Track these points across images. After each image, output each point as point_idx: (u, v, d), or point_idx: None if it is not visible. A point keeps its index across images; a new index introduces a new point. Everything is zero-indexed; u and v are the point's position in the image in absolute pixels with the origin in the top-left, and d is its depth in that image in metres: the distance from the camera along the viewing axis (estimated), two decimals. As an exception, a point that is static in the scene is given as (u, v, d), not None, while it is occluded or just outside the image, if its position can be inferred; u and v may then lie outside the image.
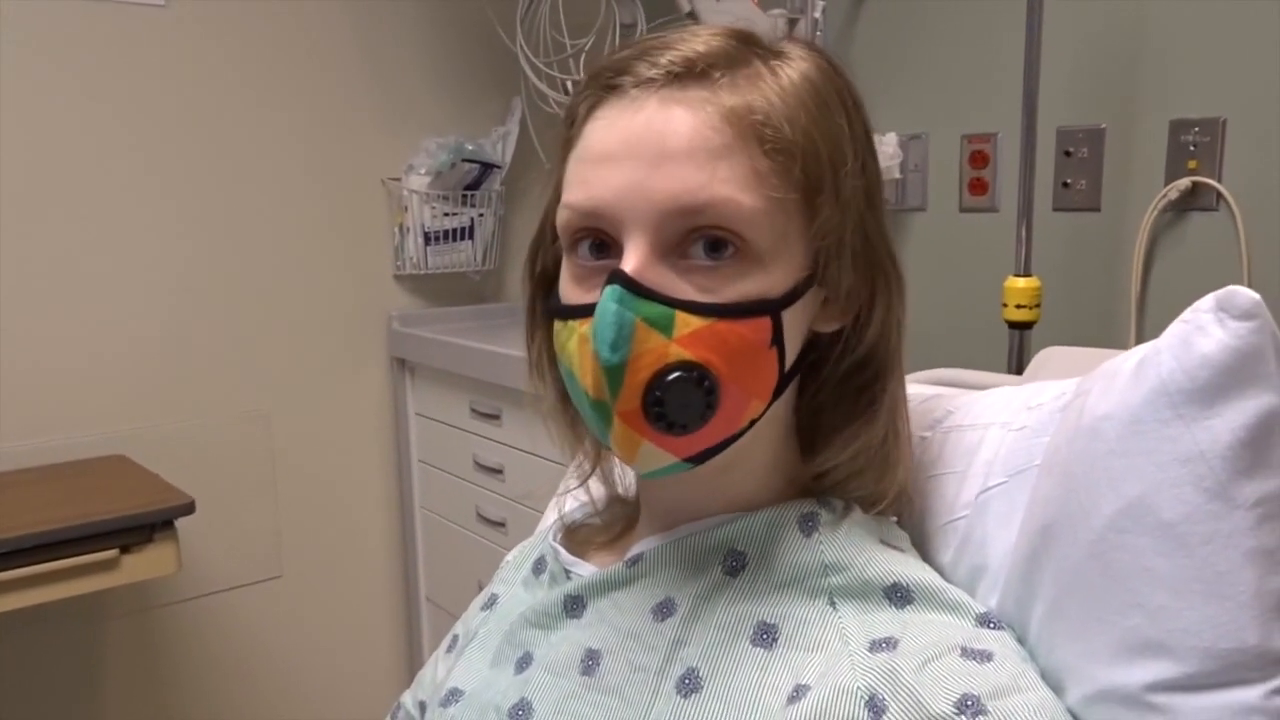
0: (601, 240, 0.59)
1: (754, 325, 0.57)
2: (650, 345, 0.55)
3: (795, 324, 0.60)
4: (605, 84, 0.60)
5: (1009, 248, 1.51)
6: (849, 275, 0.61)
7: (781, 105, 0.57)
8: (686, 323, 0.55)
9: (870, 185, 0.62)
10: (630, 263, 0.56)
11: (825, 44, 1.75)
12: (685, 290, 0.56)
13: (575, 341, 0.58)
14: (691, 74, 0.57)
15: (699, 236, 0.56)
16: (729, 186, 0.55)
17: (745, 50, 0.60)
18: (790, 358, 0.60)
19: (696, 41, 0.59)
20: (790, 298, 0.58)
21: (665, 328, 0.55)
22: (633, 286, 0.55)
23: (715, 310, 0.56)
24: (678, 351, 0.55)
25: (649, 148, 0.56)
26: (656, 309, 0.55)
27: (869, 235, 0.61)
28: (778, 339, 0.58)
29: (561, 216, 0.60)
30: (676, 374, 0.55)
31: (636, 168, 0.56)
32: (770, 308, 0.57)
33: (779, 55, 0.61)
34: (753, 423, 0.60)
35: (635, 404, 0.55)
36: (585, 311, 0.57)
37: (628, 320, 0.55)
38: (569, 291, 0.61)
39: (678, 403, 0.55)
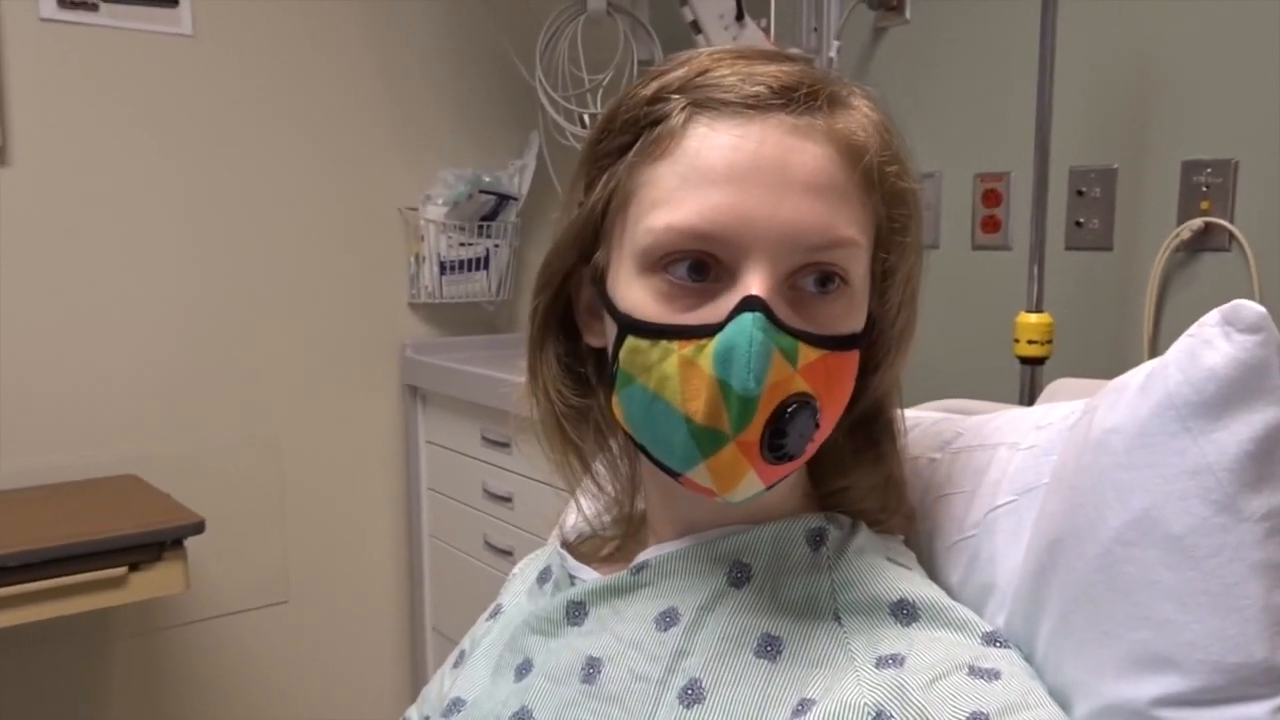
0: (702, 261, 0.56)
1: (849, 358, 0.59)
2: (781, 376, 0.54)
3: None
4: (700, 97, 0.57)
5: (1021, 285, 1.51)
6: (896, 313, 0.62)
7: (879, 144, 0.58)
8: (806, 355, 0.55)
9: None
10: (760, 290, 0.54)
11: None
12: (798, 321, 0.56)
13: (675, 363, 0.55)
14: (795, 98, 0.56)
15: (812, 269, 0.56)
16: (851, 227, 0.56)
17: (821, 78, 0.59)
18: None
19: (776, 65, 0.58)
20: (867, 333, 0.60)
21: (793, 359, 0.55)
22: (771, 316, 0.54)
23: (828, 342, 0.56)
24: (799, 383, 0.55)
25: (771, 175, 0.55)
26: (788, 340, 0.54)
27: (915, 278, 0.63)
28: (857, 371, 0.60)
29: (662, 236, 0.56)
30: (794, 405, 0.55)
31: (763, 195, 0.54)
32: (859, 342, 0.59)
33: (845, 89, 0.61)
34: None
35: (758, 435, 0.54)
36: (694, 333, 0.55)
37: (770, 351, 0.53)
38: (653, 309, 0.57)
39: (797, 434, 0.55)
